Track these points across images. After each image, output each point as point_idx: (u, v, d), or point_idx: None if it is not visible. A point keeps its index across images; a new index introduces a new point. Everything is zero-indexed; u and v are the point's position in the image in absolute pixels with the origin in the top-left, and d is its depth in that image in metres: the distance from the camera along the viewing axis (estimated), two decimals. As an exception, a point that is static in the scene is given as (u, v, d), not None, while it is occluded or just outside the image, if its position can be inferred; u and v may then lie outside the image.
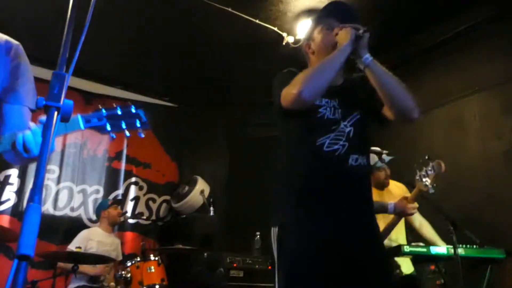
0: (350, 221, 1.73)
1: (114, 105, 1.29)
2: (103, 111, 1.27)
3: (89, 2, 1.17)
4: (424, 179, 2.51)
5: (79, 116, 1.29)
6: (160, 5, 4.02)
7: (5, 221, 4.36)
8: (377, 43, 4.42)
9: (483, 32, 3.95)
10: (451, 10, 3.99)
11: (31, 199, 0.77)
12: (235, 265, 4.15)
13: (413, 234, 3.30)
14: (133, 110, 1.28)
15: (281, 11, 4.13)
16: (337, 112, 1.85)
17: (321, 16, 1.99)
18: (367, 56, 1.81)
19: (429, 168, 2.53)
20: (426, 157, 2.58)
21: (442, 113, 4.22)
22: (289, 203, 1.82)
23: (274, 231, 1.81)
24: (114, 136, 1.30)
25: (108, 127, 1.27)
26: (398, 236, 3.18)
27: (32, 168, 4.43)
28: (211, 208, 4.68)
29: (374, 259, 1.73)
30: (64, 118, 1.00)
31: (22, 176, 4.59)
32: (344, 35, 1.81)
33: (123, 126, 1.28)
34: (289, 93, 1.74)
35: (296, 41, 4.40)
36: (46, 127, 0.91)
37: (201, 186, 5.12)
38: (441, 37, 4.28)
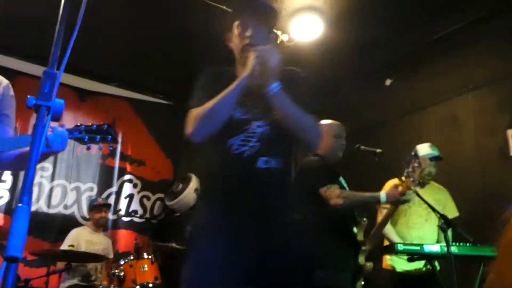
0: (253, 223, 1.68)
1: (90, 124, 1.75)
2: (83, 126, 1.73)
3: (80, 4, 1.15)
4: (411, 175, 2.52)
5: (64, 130, 1.64)
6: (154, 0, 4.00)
7: (-1, 218, 4.34)
8: (372, 40, 4.47)
9: (477, 31, 3.97)
10: (446, 9, 3.99)
11: (20, 200, 0.76)
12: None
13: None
14: (105, 128, 1.77)
15: (276, 9, 4.11)
16: (250, 112, 1.78)
17: (237, 10, 1.87)
18: (274, 86, 1.65)
19: (416, 165, 2.55)
20: (413, 153, 2.59)
21: (437, 111, 4.24)
22: (201, 203, 1.87)
23: (187, 230, 1.83)
24: (90, 147, 1.74)
25: (86, 139, 1.72)
26: (425, 234, 3.19)
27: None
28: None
29: (277, 266, 1.67)
30: (55, 118, 0.99)
31: (15, 174, 4.56)
32: (248, 62, 1.67)
33: (97, 139, 1.74)
34: (188, 124, 1.72)
35: (291, 40, 4.39)
36: (36, 126, 0.89)
37: (195, 184, 5.10)
38: (436, 35, 4.30)
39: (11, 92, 1.82)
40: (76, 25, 1.10)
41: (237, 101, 1.73)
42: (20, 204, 0.75)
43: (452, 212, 3.32)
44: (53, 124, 1.48)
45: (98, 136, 1.72)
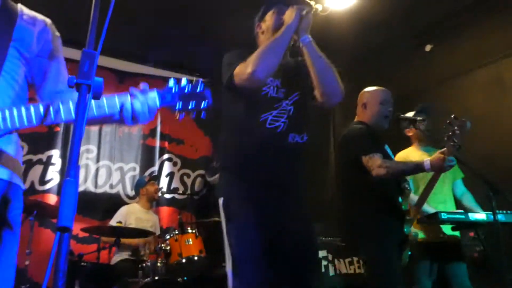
0: (283, 193, 1.90)
1: (184, 81, 1.30)
2: (176, 88, 1.29)
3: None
4: (452, 139, 2.44)
5: (156, 92, 1.28)
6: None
7: (51, 199, 4.57)
8: (408, 5, 4.27)
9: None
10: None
11: (67, 174, 0.80)
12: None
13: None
14: (201, 89, 1.31)
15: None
16: (280, 91, 1.99)
17: (273, 0, 2.10)
18: (306, 37, 1.93)
19: (456, 128, 2.46)
20: (453, 116, 2.50)
21: (481, 75, 4.06)
22: (232, 175, 1.95)
23: (220, 201, 1.94)
24: (182, 116, 1.33)
25: (178, 106, 1.30)
26: (446, 199, 3.14)
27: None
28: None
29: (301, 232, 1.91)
30: (96, 96, 1.02)
31: (64, 157, 4.77)
32: (289, 15, 1.93)
33: (191, 106, 1.30)
34: (243, 72, 1.84)
35: (325, 9, 4.29)
36: (79, 104, 0.93)
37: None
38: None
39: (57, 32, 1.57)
40: (110, 7, 1.13)
41: (271, 79, 1.95)
42: (67, 178, 0.79)
43: (459, 174, 3.27)
44: (142, 86, 1.28)
45: (193, 102, 1.29)
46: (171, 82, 1.30)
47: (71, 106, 1.21)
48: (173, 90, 1.29)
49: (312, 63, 1.92)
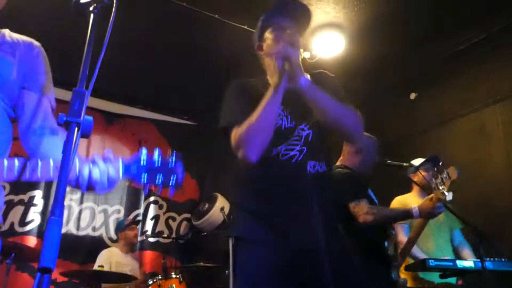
0: (307, 231, 1.62)
1: (155, 154, 1.23)
2: (145, 161, 1.21)
3: (107, 27, 1.19)
4: (441, 187, 2.47)
5: (120, 162, 1.20)
6: (176, 23, 4.08)
7: (31, 241, 4.43)
8: (394, 54, 4.44)
9: (505, 40, 3.90)
10: (472, 18, 3.95)
11: (52, 212, 0.78)
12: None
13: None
14: (172, 165, 1.25)
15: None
16: (294, 118, 1.74)
17: (270, 15, 1.84)
18: (304, 79, 1.63)
19: (444, 175, 2.49)
20: (440, 164, 2.54)
21: (464, 124, 4.16)
22: (246, 214, 1.73)
23: (231, 241, 1.81)
24: (147, 190, 1.20)
25: (143, 179, 1.21)
26: (443, 245, 3.13)
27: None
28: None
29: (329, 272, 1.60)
30: (85, 135, 1.02)
31: (46, 197, 4.67)
32: (272, 74, 1.66)
33: (158, 181, 1.22)
34: (236, 151, 1.64)
35: (313, 57, 4.41)
36: (67, 143, 0.92)
37: (221, 203, 5.11)
38: (460, 46, 4.25)
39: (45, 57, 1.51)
40: (102, 49, 1.14)
41: (281, 108, 1.70)
42: (52, 217, 0.77)
43: (457, 225, 3.28)
44: (106, 153, 1.20)
45: (161, 176, 1.22)
46: (142, 153, 1.21)
47: (51, 165, 1.13)
48: (141, 163, 1.21)
49: (318, 108, 1.67)
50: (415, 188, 3.34)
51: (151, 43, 4.39)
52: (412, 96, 4.73)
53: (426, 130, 4.49)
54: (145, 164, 1.21)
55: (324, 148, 1.79)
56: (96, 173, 1.16)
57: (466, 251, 3.18)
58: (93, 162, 1.18)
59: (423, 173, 2.95)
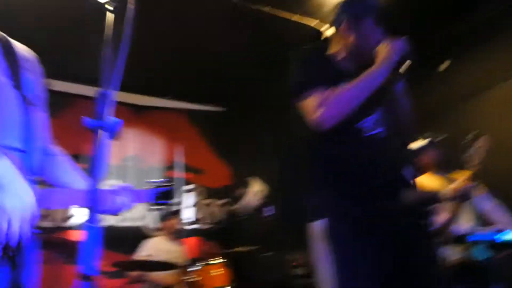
0: (398, 206, 1.60)
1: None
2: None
3: (127, 18, 1.18)
4: (473, 158, 2.36)
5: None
6: (200, 10, 4.05)
7: (74, 235, 4.59)
8: (432, 19, 4.20)
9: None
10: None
11: (88, 219, 0.78)
12: (297, 263, 4.12)
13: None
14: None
15: (319, 4, 4.05)
16: None
17: (367, 9, 1.77)
18: (401, 84, 1.74)
19: (477, 146, 2.38)
20: (474, 134, 2.43)
21: (499, 93, 3.95)
22: (335, 194, 1.65)
23: (316, 224, 1.67)
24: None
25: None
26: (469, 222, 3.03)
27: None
28: (268, 208, 4.70)
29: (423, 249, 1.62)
30: (113, 136, 1.02)
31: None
32: (385, 49, 1.63)
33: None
34: (311, 112, 1.60)
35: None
36: (95, 146, 0.93)
37: (256, 187, 5.13)
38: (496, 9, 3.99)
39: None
40: (123, 45, 1.12)
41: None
42: (87, 223, 0.78)
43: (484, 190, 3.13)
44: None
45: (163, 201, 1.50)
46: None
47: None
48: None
49: (399, 111, 1.74)
50: (430, 169, 3.22)
51: (173, 31, 4.37)
52: (444, 66, 4.51)
53: (460, 101, 4.29)
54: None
55: (406, 125, 1.81)
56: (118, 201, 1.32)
57: (501, 212, 3.03)
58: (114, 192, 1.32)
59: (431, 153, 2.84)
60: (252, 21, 4.12)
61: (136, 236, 4.80)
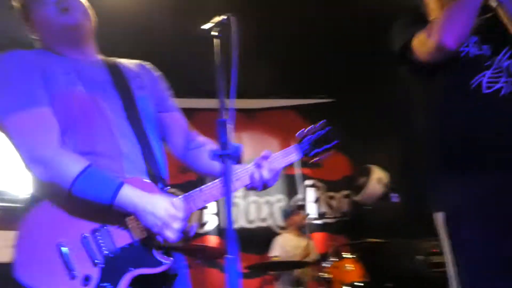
0: None
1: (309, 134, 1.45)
2: (304, 143, 1.45)
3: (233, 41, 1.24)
4: None
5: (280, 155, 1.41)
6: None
7: (211, 240, 4.91)
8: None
9: None
10: None
11: (227, 251, 0.83)
12: (434, 250, 3.89)
13: None
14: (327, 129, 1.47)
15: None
16: (483, 47, 1.52)
17: None
18: None
19: None
20: None
21: None
22: (451, 176, 1.47)
23: (439, 217, 1.50)
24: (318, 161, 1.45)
25: (311, 154, 1.46)
26: None
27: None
28: (393, 195, 4.52)
29: None
30: (236, 160, 1.07)
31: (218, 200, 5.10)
32: None
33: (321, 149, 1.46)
34: (425, 43, 1.45)
35: None
36: (223, 175, 0.98)
37: (378, 174, 4.96)
38: None
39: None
40: (234, 59, 1.21)
41: (469, 36, 1.49)
42: (227, 256, 0.82)
43: None
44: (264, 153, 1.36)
45: (323, 147, 1.45)
46: (301, 135, 1.45)
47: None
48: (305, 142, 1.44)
49: None
50: None
51: (273, 34, 4.42)
52: None
53: None
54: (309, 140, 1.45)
55: None
56: (265, 174, 1.33)
57: None
58: (258, 165, 1.34)
59: None
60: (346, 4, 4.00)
61: (266, 235, 4.98)
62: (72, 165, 1.18)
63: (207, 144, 1.53)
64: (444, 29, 1.41)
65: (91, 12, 1.44)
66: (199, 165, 1.52)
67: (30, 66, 1.28)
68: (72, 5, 1.35)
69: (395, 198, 4.61)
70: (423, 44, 1.49)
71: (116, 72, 1.44)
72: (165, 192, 1.32)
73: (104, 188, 1.17)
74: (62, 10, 1.32)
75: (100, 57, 1.49)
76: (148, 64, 1.61)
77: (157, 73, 1.60)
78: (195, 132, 1.59)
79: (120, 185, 1.18)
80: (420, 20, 1.59)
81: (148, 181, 1.30)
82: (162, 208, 1.17)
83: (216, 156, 1.01)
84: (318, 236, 5.23)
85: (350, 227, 5.25)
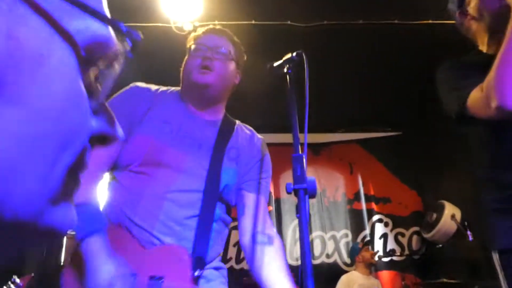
0: None
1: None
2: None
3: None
4: None
5: None
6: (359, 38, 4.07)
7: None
8: None
9: None
10: None
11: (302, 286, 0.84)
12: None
13: None
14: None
15: None
16: None
17: None
18: None
19: None
20: None
21: None
22: (505, 217, 1.40)
23: (495, 257, 1.43)
24: None
25: None
26: None
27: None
28: (469, 232, 4.25)
29: None
30: (311, 194, 1.09)
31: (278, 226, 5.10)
32: None
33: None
34: (483, 106, 1.33)
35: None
36: (300, 209, 1.00)
37: (451, 211, 4.71)
38: None
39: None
40: (307, 97, 1.26)
41: None
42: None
43: None
44: None
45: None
46: None
47: None
48: None
49: None
50: None
51: (333, 68, 4.45)
52: None
53: None
54: None
55: None
56: None
57: None
58: None
59: None
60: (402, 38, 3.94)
61: (332, 272, 4.86)
62: None
63: (276, 252, 1.37)
64: (503, 91, 1.28)
65: (232, 74, 1.48)
66: (258, 270, 1.35)
67: (137, 100, 1.37)
68: (212, 65, 1.40)
69: (471, 236, 4.34)
70: (481, 107, 1.37)
71: (225, 135, 1.44)
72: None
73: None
74: (202, 68, 1.38)
75: (224, 116, 1.51)
76: (259, 138, 1.57)
77: (262, 149, 1.54)
78: (269, 223, 1.44)
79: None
80: (469, 63, 1.52)
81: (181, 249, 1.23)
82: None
83: (291, 189, 1.03)
84: (387, 274, 5.00)
85: (421, 266, 4.99)
